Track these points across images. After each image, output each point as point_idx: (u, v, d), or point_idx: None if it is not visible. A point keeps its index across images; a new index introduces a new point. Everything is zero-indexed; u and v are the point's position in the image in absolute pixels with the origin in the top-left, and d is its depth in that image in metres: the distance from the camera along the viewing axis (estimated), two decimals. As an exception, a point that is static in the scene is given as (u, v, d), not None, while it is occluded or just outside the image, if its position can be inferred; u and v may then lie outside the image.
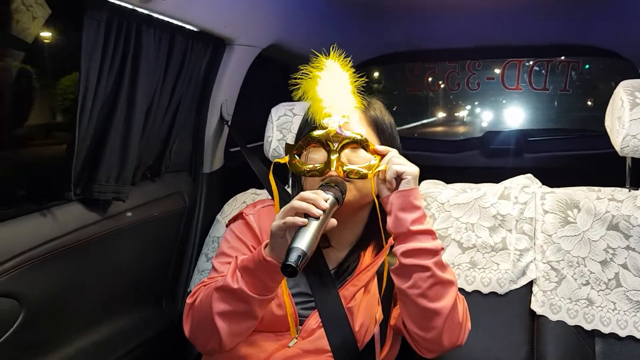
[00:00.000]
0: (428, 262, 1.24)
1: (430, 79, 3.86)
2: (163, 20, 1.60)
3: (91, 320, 1.66)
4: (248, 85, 2.21)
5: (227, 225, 1.58)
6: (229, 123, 2.13)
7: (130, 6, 1.43)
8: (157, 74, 1.68)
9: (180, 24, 1.67)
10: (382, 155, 1.31)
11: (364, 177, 1.29)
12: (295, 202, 1.19)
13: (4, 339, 1.34)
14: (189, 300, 1.39)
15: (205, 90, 2.03)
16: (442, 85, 3.86)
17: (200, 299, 1.35)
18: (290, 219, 1.17)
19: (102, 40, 1.43)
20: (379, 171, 1.30)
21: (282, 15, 2.15)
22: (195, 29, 1.76)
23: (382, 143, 1.43)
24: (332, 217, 1.23)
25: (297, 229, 1.15)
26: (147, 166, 1.85)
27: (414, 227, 1.26)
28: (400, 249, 1.27)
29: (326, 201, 1.20)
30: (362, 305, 1.41)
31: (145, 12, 1.50)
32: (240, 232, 1.50)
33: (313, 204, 1.18)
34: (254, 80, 2.26)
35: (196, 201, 2.11)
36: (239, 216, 1.55)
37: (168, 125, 1.85)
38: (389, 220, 1.29)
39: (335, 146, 1.29)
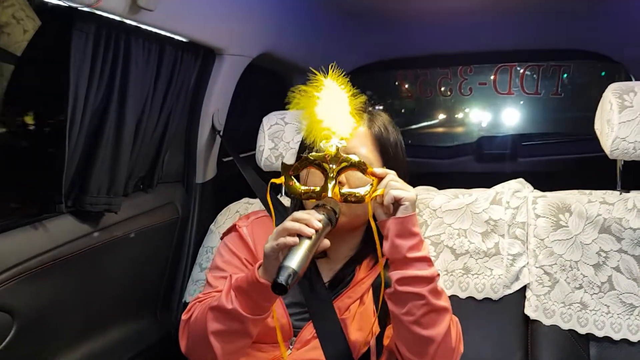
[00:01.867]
0: (423, 290, 1.23)
1: (422, 85, 3.87)
2: (152, 32, 1.60)
3: (85, 332, 1.65)
4: (240, 94, 2.21)
5: (221, 238, 1.58)
6: (221, 133, 2.13)
7: (118, 18, 1.43)
8: (147, 85, 1.68)
9: (169, 34, 1.67)
10: (380, 179, 1.28)
11: (361, 200, 1.27)
12: (287, 223, 1.19)
13: (-4, 353, 1.34)
14: (184, 317, 1.39)
15: (196, 100, 2.02)
16: (433, 92, 3.87)
17: (195, 316, 1.35)
18: (282, 239, 1.17)
19: (90, 52, 1.42)
20: (376, 195, 1.27)
21: (272, 25, 2.16)
22: (184, 40, 1.76)
23: (385, 161, 1.41)
24: (326, 237, 1.22)
25: (289, 248, 1.15)
26: (139, 177, 1.84)
27: (411, 254, 1.24)
28: (395, 275, 1.25)
29: (319, 222, 1.19)
30: (357, 317, 1.40)
31: (134, 23, 1.50)
32: (234, 245, 1.50)
33: (305, 224, 1.17)
34: (245, 90, 2.26)
35: (189, 211, 2.10)
36: (232, 229, 1.55)
37: (159, 136, 1.84)
38: (386, 245, 1.27)
39: (333, 169, 1.26)
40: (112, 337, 1.75)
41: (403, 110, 4.43)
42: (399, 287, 1.25)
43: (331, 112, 1.28)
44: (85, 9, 1.32)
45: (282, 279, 1.07)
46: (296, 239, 1.15)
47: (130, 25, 1.50)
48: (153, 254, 1.92)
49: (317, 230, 1.17)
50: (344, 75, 1.31)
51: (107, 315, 1.74)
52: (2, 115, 1.67)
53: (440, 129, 4.45)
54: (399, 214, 1.24)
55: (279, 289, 1.08)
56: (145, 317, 1.93)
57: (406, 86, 3.96)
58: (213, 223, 2.04)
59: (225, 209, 2.05)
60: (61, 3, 1.27)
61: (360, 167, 1.27)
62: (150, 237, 1.87)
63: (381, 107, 1.51)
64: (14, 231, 1.41)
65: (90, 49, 1.42)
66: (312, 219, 1.18)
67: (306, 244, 1.15)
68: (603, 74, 3.85)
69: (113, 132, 1.57)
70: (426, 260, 1.26)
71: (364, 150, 1.39)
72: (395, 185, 1.25)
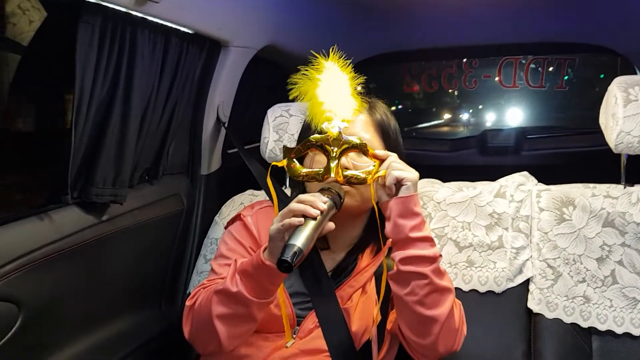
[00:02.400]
0: (426, 269, 1.24)
1: (427, 78, 3.86)
2: (157, 23, 1.60)
3: (90, 323, 1.66)
4: (245, 86, 2.21)
5: (225, 227, 1.59)
6: (226, 125, 2.13)
7: (124, 9, 1.43)
8: (153, 76, 1.68)
9: (175, 26, 1.67)
10: (382, 160, 1.30)
11: (363, 182, 1.28)
12: (293, 205, 1.20)
13: (2, 344, 1.34)
14: (188, 303, 1.39)
15: (201, 92, 2.03)
16: (438, 85, 3.86)
17: (199, 301, 1.35)
18: (287, 220, 1.18)
19: (96, 44, 1.42)
20: (378, 176, 1.28)
21: (277, 17, 2.16)
22: (190, 32, 1.76)
23: (387, 147, 1.43)
24: (331, 221, 1.24)
25: (294, 228, 1.16)
26: (145, 168, 1.85)
27: (413, 234, 1.25)
28: (398, 255, 1.27)
29: (324, 203, 1.20)
30: (359, 306, 1.41)
31: (140, 15, 1.50)
32: (239, 234, 1.51)
33: (310, 205, 1.19)
34: (250, 81, 2.26)
35: (194, 203, 2.11)
36: (237, 218, 1.56)
37: (164, 127, 1.85)
38: (388, 226, 1.28)
39: (335, 151, 1.27)
40: (117, 328, 1.76)
41: (408, 103, 4.42)
42: (402, 267, 1.26)
43: (332, 95, 1.28)
44: (92, 0, 1.32)
45: (287, 256, 1.09)
46: (301, 219, 1.17)
47: (136, 16, 1.50)
48: (158, 245, 1.93)
49: (322, 212, 1.19)
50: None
51: (111, 306, 1.74)
52: (8, 107, 1.67)
53: (444, 122, 4.45)
54: (401, 194, 1.26)
55: (284, 267, 1.09)
56: (150, 308, 1.94)
57: (411, 79, 3.95)
58: (218, 214, 2.05)
59: (229, 200, 2.06)
60: (68, -6, 1.27)
61: (362, 148, 1.28)
62: (155, 228, 1.88)
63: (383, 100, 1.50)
64: (20, 222, 1.41)
65: (96, 41, 1.42)
66: (317, 200, 1.20)
67: (311, 224, 1.16)
68: (602, 76, 3.85)
69: (119, 123, 1.58)
70: (428, 240, 1.27)
71: (368, 136, 1.41)
72: (396, 167, 1.27)
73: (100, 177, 1.56)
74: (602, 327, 1.60)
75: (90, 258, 1.60)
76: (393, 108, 4.18)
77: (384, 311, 1.40)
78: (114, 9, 1.41)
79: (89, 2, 1.33)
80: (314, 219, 1.17)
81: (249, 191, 2.06)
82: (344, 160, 1.31)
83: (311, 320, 1.41)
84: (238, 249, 1.48)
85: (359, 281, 1.44)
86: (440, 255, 1.30)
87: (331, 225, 1.23)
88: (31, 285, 1.40)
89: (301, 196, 1.23)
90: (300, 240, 1.12)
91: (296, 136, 1.90)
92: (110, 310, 1.74)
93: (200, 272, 1.96)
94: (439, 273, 1.27)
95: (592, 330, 1.61)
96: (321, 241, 1.47)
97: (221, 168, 2.24)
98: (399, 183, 1.26)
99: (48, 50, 1.59)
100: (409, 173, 1.27)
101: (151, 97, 1.70)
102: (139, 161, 1.76)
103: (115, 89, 1.54)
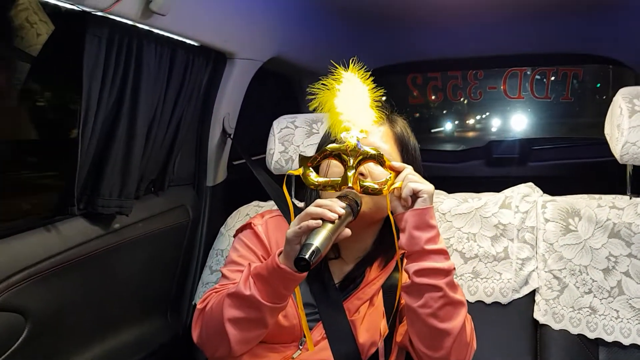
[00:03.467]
0: (440, 282, 1.24)
1: (432, 89, 3.87)
2: (164, 36, 1.62)
3: (96, 334, 1.66)
4: (250, 97, 2.23)
5: (234, 235, 1.58)
6: (232, 136, 2.14)
7: (131, 22, 1.45)
8: (159, 88, 1.69)
9: (181, 38, 1.69)
10: (398, 172, 1.30)
11: (379, 193, 1.28)
12: (311, 208, 1.20)
13: (9, 354, 1.35)
14: (199, 306, 1.39)
15: (207, 104, 2.04)
16: (443, 96, 3.87)
17: (211, 305, 1.35)
18: (305, 223, 1.18)
19: (103, 56, 1.44)
20: (394, 188, 1.28)
21: (282, 29, 2.17)
22: (196, 44, 1.78)
23: (405, 160, 1.43)
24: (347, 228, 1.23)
25: (312, 230, 1.16)
26: (151, 180, 1.86)
27: (428, 246, 1.25)
28: (412, 267, 1.26)
29: (342, 208, 1.20)
30: (366, 318, 1.41)
31: (146, 27, 1.52)
32: (249, 241, 1.50)
33: (329, 209, 1.19)
34: (256, 93, 2.28)
35: (200, 214, 2.11)
36: (247, 226, 1.55)
37: (170, 139, 1.86)
38: (403, 237, 1.28)
39: (352, 160, 1.27)
40: (123, 338, 1.76)
41: (413, 114, 4.43)
42: (417, 279, 1.25)
43: (351, 105, 1.28)
44: (99, 13, 1.34)
45: (305, 254, 1.09)
46: (319, 222, 1.16)
47: (142, 29, 1.52)
48: (164, 256, 1.94)
49: (339, 216, 1.18)
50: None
51: (117, 317, 1.75)
52: (15, 118, 1.68)
53: (449, 133, 4.45)
54: (417, 206, 1.26)
55: (301, 265, 1.09)
56: (156, 319, 1.94)
57: (416, 90, 3.96)
58: (223, 226, 2.05)
59: (235, 211, 2.06)
60: (75, 7, 1.29)
61: (379, 159, 1.28)
62: (161, 239, 1.88)
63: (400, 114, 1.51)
64: (27, 233, 1.42)
65: (103, 53, 1.44)
66: (336, 205, 1.20)
67: (329, 227, 1.16)
68: (598, 85, 3.85)
69: (125, 135, 1.59)
70: (443, 253, 1.27)
71: (387, 147, 1.41)
72: (413, 179, 1.27)
73: (106, 189, 1.57)
74: (609, 338, 1.58)
75: (97, 269, 1.60)
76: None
77: (391, 324, 1.40)
78: (120, 21, 1.43)
79: (95, 15, 1.35)
80: (332, 222, 1.17)
81: (255, 202, 2.07)
82: (361, 169, 1.32)
83: (318, 331, 1.40)
84: (249, 255, 1.48)
85: (367, 293, 1.43)
86: (454, 268, 1.29)
87: (347, 231, 1.23)
88: (38, 296, 1.41)
89: (319, 200, 1.23)
90: (318, 240, 1.12)
91: (302, 148, 1.91)
92: (116, 321, 1.75)
93: (206, 283, 1.96)
94: (453, 286, 1.27)
95: (599, 342, 1.60)
96: (331, 251, 1.46)
97: (227, 179, 2.25)
98: (415, 195, 1.26)
99: (55, 63, 1.60)
100: (426, 185, 1.27)
101: (157, 108, 1.71)
102: (145, 172, 1.77)
103: (122, 100, 1.55)
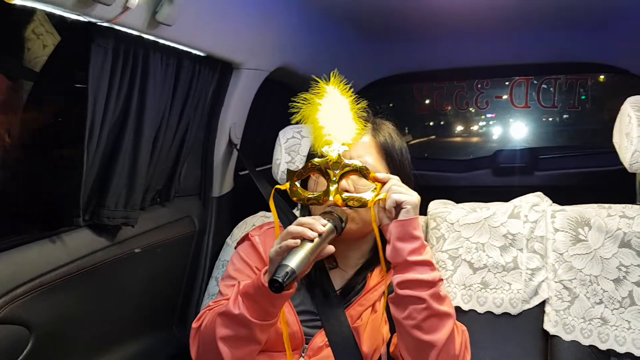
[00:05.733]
0: (423, 293, 1.23)
1: (438, 99, 3.87)
2: (170, 46, 1.61)
3: (101, 346, 1.65)
4: (256, 107, 2.22)
5: (235, 247, 1.59)
6: (238, 146, 2.13)
7: (137, 33, 1.45)
8: (165, 98, 1.69)
9: (187, 49, 1.69)
10: (383, 183, 1.30)
11: (363, 205, 1.28)
12: (291, 227, 1.22)
13: (13, 367, 1.34)
14: (194, 325, 1.41)
15: (213, 114, 2.04)
16: (450, 106, 3.87)
17: (205, 323, 1.37)
18: (284, 243, 1.19)
19: (109, 67, 1.44)
20: (379, 200, 1.28)
21: (288, 39, 2.17)
22: (202, 54, 1.78)
23: (391, 169, 1.43)
24: (336, 245, 1.25)
25: (290, 250, 1.16)
26: (156, 191, 1.85)
27: (412, 258, 1.25)
28: (396, 279, 1.26)
29: (324, 226, 1.21)
30: (369, 324, 1.40)
31: (152, 38, 1.51)
32: (245, 254, 1.52)
33: (309, 228, 1.19)
34: (262, 103, 2.27)
35: (206, 225, 2.11)
36: (245, 238, 1.57)
37: (176, 149, 1.86)
38: (388, 249, 1.28)
39: (335, 174, 1.28)
40: (129, 350, 1.75)
41: (419, 124, 4.43)
42: (400, 291, 1.25)
43: (333, 118, 1.30)
44: (105, 24, 1.34)
45: (278, 276, 1.09)
46: (297, 241, 1.17)
47: (148, 39, 1.52)
48: (170, 267, 1.93)
49: (320, 235, 1.19)
50: (356, 90, 1.33)
51: (123, 329, 1.74)
52: (21, 129, 1.68)
53: (456, 142, 4.44)
54: (401, 217, 1.26)
55: (275, 287, 1.10)
56: (162, 330, 1.94)
57: (422, 100, 3.96)
58: (229, 236, 2.04)
59: (241, 222, 2.06)
60: (81, 18, 1.29)
61: (363, 171, 1.29)
62: (167, 250, 1.88)
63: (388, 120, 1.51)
64: (33, 244, 1.42)
65: (109, 64, 1.44)
66: (316, 223, 1.21)
67: (307, 246, 1.17)
68: (605, 94, 3.84)
69: (131, 145, 1.59)
70: (428, 264, 1.26)
71: (370, 159, 1.41)
72: (397, 190, 1.27)
73: (112, 200, 1.56)
74: (620, 350, 1.56)
75: (102, 280, 1.60)
76: (406, 129, 4.18)
77: (393, 330, 1.39)
78: (126, 32, 1.43)
79: (101, 25, 1.35)
80: (311, 241, 1.18)
81: (261, 213, 2.06)
82: (343, 183, 1.32)
83: (320, 338, 1.40)
84: (244, 269, 1.49)
85: (368, 300, 1.43)
86: (441, 279, 1.28)
87: (330, 248, 1.23)
88: (42, 308, 1.40)
89: (300, 219, 1.24)
90: (294, 261, 1.12)
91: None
92: (122, 333, 1.74)
93: (212, 294, 1.95)
94: (438, 298, 1.26)
95: (610, 353, 1.58)
96: (329, 260, 1.48)
97: (233, 190, 2.24)
98: (398, 206, 1.26)
99: (61, 73, 1.61)
100: (409, 196, 1.26)
101: (163, 119, 1.71)
102: (150, 183, 1.76)
103: (128, 111, 1.55)
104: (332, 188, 1.28)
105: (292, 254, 1.14)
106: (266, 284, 1.20)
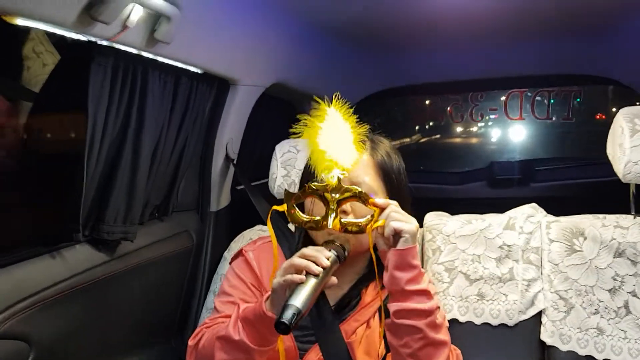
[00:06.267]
0: (420, 323, 1.24)
1: (433, 111, 3.89)
2: (168, 64, 1.63)
3: (101, 360, 1.66)
4: (253, 122, 2.24)
5: (230, 263, 1.60)
6: (235, 162, 2.15)
7: (135, 51, 1.47)
8: (163, 115, 1.71)
9: (184, 66, 1.71)
10: (382, 209, 1.29)
11: (361, 231, 1.28)
12: (295, 260, 1.21)
13: (13, 382, 1.34)
14: (191, 343, 1.41)
15: (210, 129, 2.06)
16: (445, 118, 3.89)
17: (202, 343, 1.37)
18: (289, 277, 1.18)
19: (108, 84, 1.46)
20: (377, 226, 1.28)
21: (284, 55, 2.19)
22: (199, 71, 1.80)
23: (389, 188, 1.43)
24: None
25: (296, 285, 1.15)
26: (155, 206, 1.87)
27: (409, 287, 1.25)
28: (393, 307, 1.26)
29: (328, 259, 1.21)
30: (364, 340, 1.41)
31: (151, 56, 1.53)
32: (240, 270, 1.53)
33: (314, 262, 1.19)
34: (259, 117, 2.29)
35: (204, 239, 2.12)
36: (239, 253, 1.58)
37: (174, 165, 1.87)
38: (385, 276, 1.28)
39: (334, 198, 1.28)
40: (128, 365, 1.76)
41: (414, 137, 4.45)
42: (397, 320, 1.26)
43: (333, 142, 1.29)
44: (104, 42, 1.36)
45: (286, 318, 1.08)
46: (303, 277, 1.16)
47: (147, 57, 1.54)
48: (168, 281, 1.93)
49: (324, 268, 1.18)
50: (352, 104, 1.33)
51: (122, 343, 1.74)
52: (21, 145, 1.70)
53: (451, 154, 4.46)
54: (399, 246, 1.25)
55: (281, 329, 1.08)
56: (160, 344, 1.94)
57: (417, 113, 3.98)
58: (227, 250, 2.05)
59: (239, 235, 2.07)
60: (80, 37, 1.31)
61: (362, 197, 1.28)
62: (165, 265, 1.88)
63: (384, 136, 1.50)
64: (32, 260, 1.42)
65: (108, 81, 1.46)
66: (321, 256, 1.20)
67: (313, 282, 1.16)
68: (598, 105, 3.87)
69: (130, 161, 1.60)
70: (425, 294, 1.26)
71: (368, 179, 1.40)
72: (395, 217, 1.26)
73: (111, 215, 1.58)
74: (617, 359, 1.57)
75: (101, 295, 1.60)
76: (399, 141, 4.21)
77: (389, 346, 1.40)
78: (125, 50, 1.45)
79: (101, 44, 1.37)
80: (316, 276, 1.17)
81: (258, 226, 2.07)
82: (345, 206, 1.32)
83: (314, 353, 1.40)
84: (239, 285, 1.50)
85: (363, 315, 1.44)
86: (438, 307, 1.29)
87: (333, 280, 1.23)
88: (42, 323, 1.41)
89: (304, 250, 1.23)
90: (299, 300, 1.11)
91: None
92: (121, 347, 1.74)
93: (210, 308, 1.95)
94: (434, 326, 1.26)
95: (607, 362, 1.59)
96: None
97: (230, 204, 2.25)
98: (397, 234, 1.25)
99: (61, 91, 1.62)
100: (408, 225, 1.25)
101: (162, 135, 1.72)
102: (149, 198, 1.78)
103: (127, 127, 1.57)
104: (331, 216, 1.27)
105: (298, 291, 1.13)
106: (268, 313, 1.21)
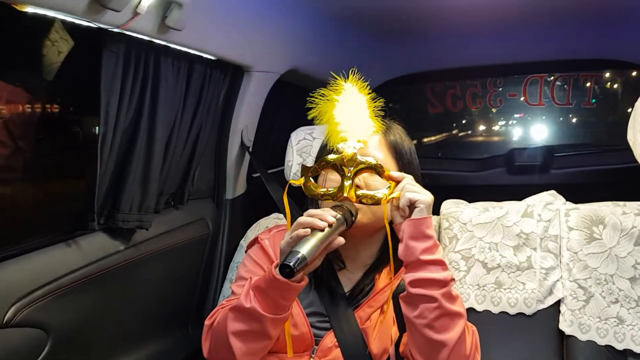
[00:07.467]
0: (435, 292, 1.24)
1: (451, 98, 3.85)
2: (181, 50, 1.62)
3: (117, 348, 1.67)
4: (269, 109, 2.23)
5: (245, 251, 1.60)
6: (250, 149, 2.14)
7: (147, 38, 1.46)
8: (177, 102, 1.70)
9: (198, 53, 1.70)
10: (397, 182, 1.30)
11: (377, 203, 1.29)
12: (301, 218, 1.23)
13: (31, 370, 1.35)
14: (207, 322, 1.42)
15: (225, 117, 2.05)
16: (463, 105, 3.85)
17: (217, 320, 1.38)
18: (295, 232, 1.21)
19: (121, 72, 1.45)
20: (392, 198, 1.29)
21: (299, 41, 2.18)
22: (212, 58, 1.79)
23: (400, 168, 1.44)
24: (345, 238, 1.25)
25: (301, 239, 1.18)
26: (170, 194, 1.87)
27: (424, 257, 1.25)
28: (408, 277, 1.27)
29: (333, 217, 1.22)
30: (378, 325, 1.41)
31: (163, 43, 1.53)
32: (256, 256, 1.53)
33: (319, 218, 1.20)
34: (274, 105, 2.28)
35: (220, 227, 2.12)
36: (255, 241, 1.59)
37: (189, 153, 1.87)
38: (400, 247, 1.29)
39: (350, 171, 1.29)
40: (145, 352, 1.77)
41: (432, 123, 4.41)
42: (412, 289, 1.26)
43: (349, 115, 1.30)
44: (115, 30, 1.35)
45: (289, 261, 1.11)
46: (308, 231, 1.19)
47: (159, 44, 1.53)
48: (184, 269, 1.94)
49: (330, 225, 1.20)
50: (371, 89, 1.33)
51: (139, 331, 1.75)
52: (36, 134, 1.70)
53: (470, 141, 4.42)
54: (414, 216, 1.26)
55: (286, 272, 1.11)
56: (177, 332, 1.95)
57: (435, 99, 3.94)
58: (243, 238, 2.06)
59: (255, 224, 2.07)
60: (92, 25, 1.30)
61: (377, 169, 1.29)
62: (181, 253, 1.89)
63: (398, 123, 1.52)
64: (48, 248, 1.43)
65: (120, 69, 1.45)
66: (326, 214, 1.22)
67: (318, 235, 1.18)
68: (620, 90, 3.79)
69: (144, 149, 1.60)
70: (440, 264, 1.26)
71: (381, 156, 1.42)
72: (411, 189, 1.28)
73: (126, 203, 1.58)
74: (637, 349, 1.55)
75: (117, 283, 1.61)
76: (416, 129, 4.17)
77: (402, 329, 1.40)
78: (137, 37, 1.44)
79: (112, 31, 1.36)
80: (322, 230, 1.19)
81: (274, 214, 2.07)
82: (357, 180, 1.32)
83: (329, 339, 1.40)
84: (256, 270, 1.50)
85: (377, 301, 1.44)
86: (453, 279, 1.28)
87: (340, 240, 1.24)
88: (59, 311, 1.42)
89: (310, 210, 1.25)
90: (304, 248, 1.14)
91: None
92: (138, 335, 1.75)
93: (227, 296, 1.94)
94: (450, 297, 1.26)
95: (627, 352, 1.56)
96: (337, 261, 1.49)
97: (246, 192, 2.25)
98: (412, 205, 1.27)
99: (74, 79, 1.62)
100: (423, 195, 1.27)
101: (175, 122, 1.72)
102: (164, 186, 1.77)
103: (140, 115, 1.57)
104: (347, 184, 1.28)
105: (303, 242, 1.16)
106: (277, 276, 1.21)
